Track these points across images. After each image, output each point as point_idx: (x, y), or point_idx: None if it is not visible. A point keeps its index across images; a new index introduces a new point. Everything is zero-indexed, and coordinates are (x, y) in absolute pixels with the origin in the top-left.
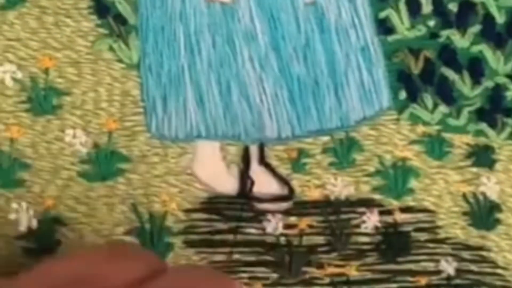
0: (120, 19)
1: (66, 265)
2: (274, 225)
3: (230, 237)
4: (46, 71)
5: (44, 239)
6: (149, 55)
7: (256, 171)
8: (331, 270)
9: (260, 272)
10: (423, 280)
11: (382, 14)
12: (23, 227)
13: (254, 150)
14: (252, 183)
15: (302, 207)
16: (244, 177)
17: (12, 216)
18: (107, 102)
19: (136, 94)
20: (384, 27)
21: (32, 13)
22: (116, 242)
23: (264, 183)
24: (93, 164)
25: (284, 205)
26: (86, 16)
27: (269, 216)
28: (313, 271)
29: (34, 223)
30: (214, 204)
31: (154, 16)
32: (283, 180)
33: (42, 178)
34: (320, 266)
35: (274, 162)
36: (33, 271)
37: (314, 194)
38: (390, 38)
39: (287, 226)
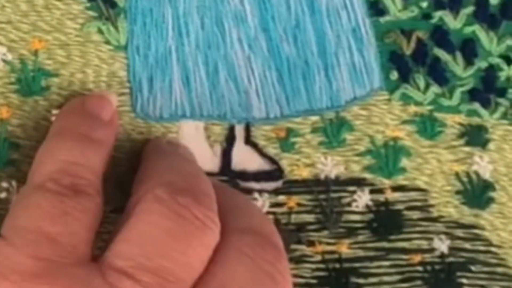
0: (109, 2)
1: None
2: (261, 203)
3: None
4: (35, 53)
5: None
6: (137, 36)
7: (242, 150)
8: (322, 247)
9: None
10: (416, 258)
11: None
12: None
13: (240, 130)
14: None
15: (290, 186)
16: (227, 155)
17: (3, 195)
18: (93, 83)
19: (123, 75)
20: (376, 9)
21: None
22: None
23: (250, 162)
24: None
25: (273, 184)
26: None
27: (256, 195)
28: (303, 249)
29: None
30: None
31: None
32: (271, 160)
33: (31, 158)
34: (311, 244)
35: (261, 142)
36: None
37: (303, 173)
38: (382, 20)
39: (275, 205)
